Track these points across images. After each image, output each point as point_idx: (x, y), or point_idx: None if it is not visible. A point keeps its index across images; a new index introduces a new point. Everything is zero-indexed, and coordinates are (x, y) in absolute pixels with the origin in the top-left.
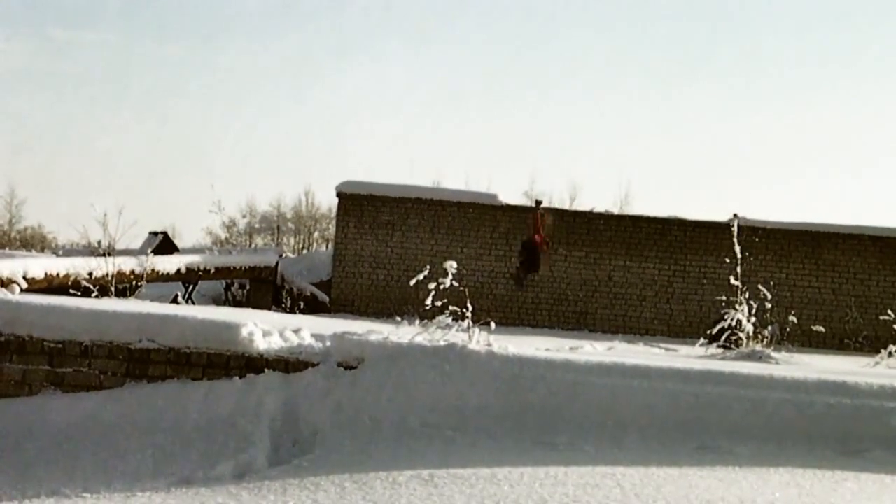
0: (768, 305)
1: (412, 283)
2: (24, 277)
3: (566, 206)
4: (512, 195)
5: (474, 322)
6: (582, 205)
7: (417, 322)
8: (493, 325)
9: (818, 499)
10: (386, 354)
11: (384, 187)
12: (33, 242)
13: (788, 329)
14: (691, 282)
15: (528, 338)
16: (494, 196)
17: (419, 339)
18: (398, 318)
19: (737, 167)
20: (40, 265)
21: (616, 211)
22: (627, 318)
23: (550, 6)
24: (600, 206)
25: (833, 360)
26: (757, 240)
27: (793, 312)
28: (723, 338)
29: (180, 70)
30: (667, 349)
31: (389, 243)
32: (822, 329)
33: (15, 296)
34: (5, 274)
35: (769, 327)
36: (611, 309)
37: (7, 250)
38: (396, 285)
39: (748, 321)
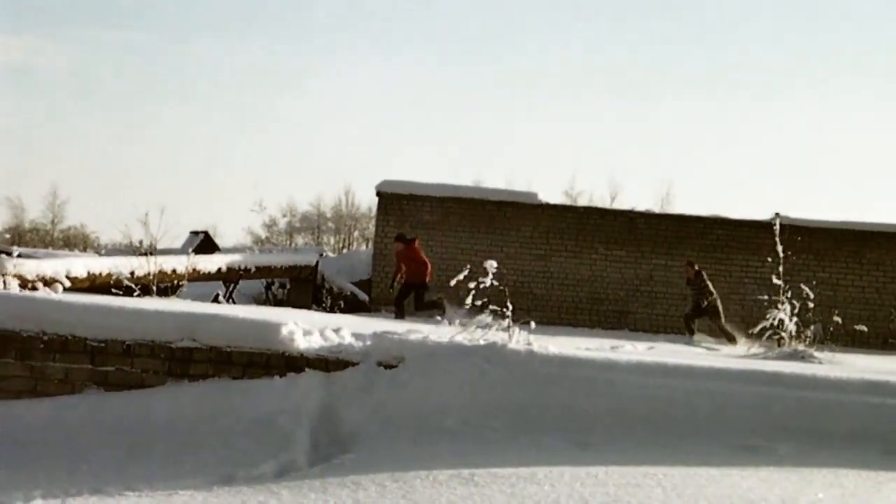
0: (811, 305)
1: (452, 282)
2: (67, 277)
3: (607, 205)
4: (552, 194)
5: (514, 321)
6: (622, 203)
7: (457, 321)
8: (532, 324)
9: (861, 499)
10: (426, 353)
11: (424, 186)
12: (76, 242)
13: (832, 329)
14: (733, 281)
15: (568, 337)
16: (534, 195)
17: (459, 339)
18: (438, 318)
19: (779, 166)
20: (83, 264)
21: (657, 210)
22: (668, 318)
23: (594, 5)
24: (641, 205)
25: (876, 359)
26: (799, 239)
27: (836, 312)
28: (764, 337)
29: (219, 69)
30: (708, 349)
31: (429, 242)
32: (865, 329)
33: (58, 295)
34: (48, 273)
35: (812, 327)
36: (651, 308)
37: (50, 250)
38: (436, 285)
39: (790, 320)
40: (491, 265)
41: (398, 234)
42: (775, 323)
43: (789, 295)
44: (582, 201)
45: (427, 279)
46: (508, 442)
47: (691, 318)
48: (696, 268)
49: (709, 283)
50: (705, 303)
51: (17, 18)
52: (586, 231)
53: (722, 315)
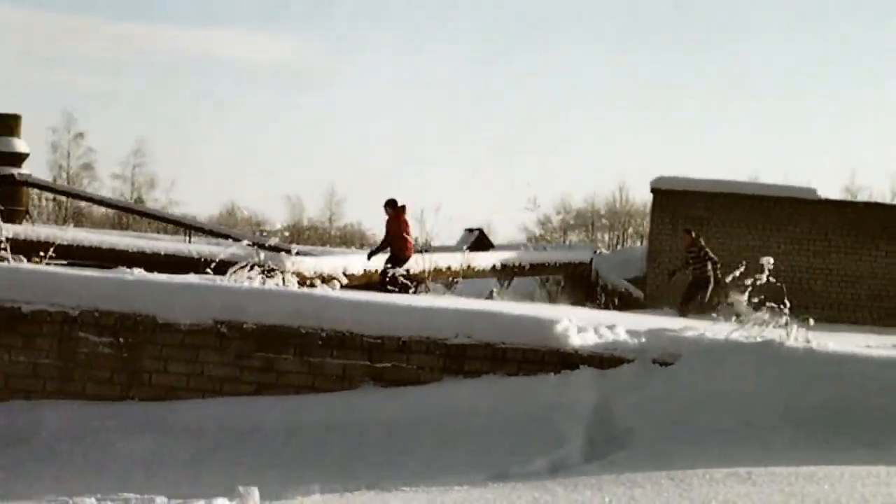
0: None
1: (728, 279)
2: (344, 274)
3: (886, 201)
4: (831, 190)
5: (791, 319)
6: None
7: (733, 318)
8: (811, 321)
9: None
10: (702, 351)
11: (699, 182)
12: (352, 239)
13: None
14: None
15: (848, 335)
16: (812, 191)
17: (735, 336)
18: (714, 315)
19: None
20: (359, 262)
21: None
22: None
23: None
24: None
25: None
26: None
27: None
28: None
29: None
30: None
31: (704, 238)
32: None
33: (336, 292)
34: (326, 271)
35: None
36: None
37: (327, 247)
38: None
39: None
40: (768, 262)
41: (389, 200)
42: None
43: None
44: (862, 198)
45: (406, 254)
46: (786, 440)
47: (695, 294)
48: (694, 235)
49: (709, 252)
50: (707, 271)
51: (283, 17)
52: (867, 227)
53: (708, 293)
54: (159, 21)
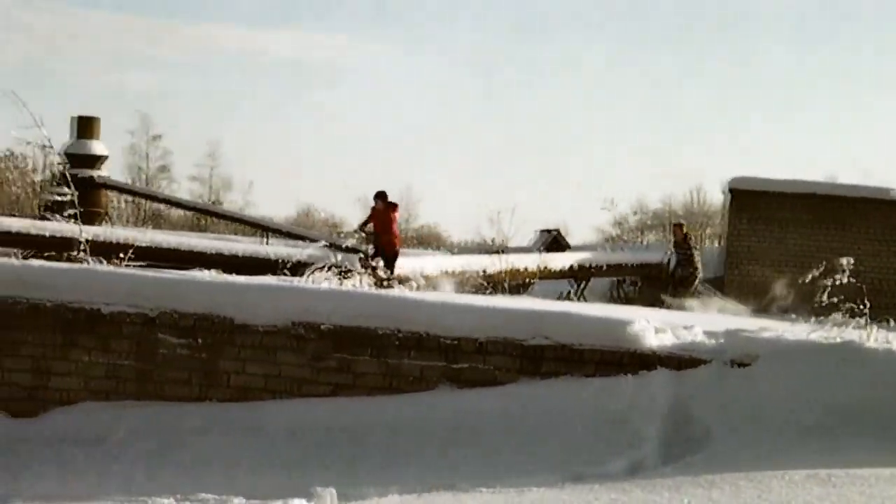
0: None
1: (806, 279)
2: (421, 275)
3: None
4: None
5: (871, 320)
6: None
7: (812, 319)
8: (892, 322)
9: None
10: (780, 351)
11: (776, 183)
12: (429, 240)
13: None
14: None
15: None
16: (889, 191)
17: (814, 337)
18: (792, 315)
19: None
20: (435, 263)
21: None
22: None
23: None
24: None
25: None
26: None
27: None
28: None
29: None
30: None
31: (782, 239)
32: None
33: (412, 293)
34: (403, 272)
35: None
36: None
37: (404, 248)
38: (789, 282)
39: None
40: (848, 262)
41: (380, 192)
42: None
43: None
44: None
45: (394, 249)
46: (866, 442)
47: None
48: (685, 230)
49: (696, 251)
50: (690, 270)
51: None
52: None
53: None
54: (230, 21)
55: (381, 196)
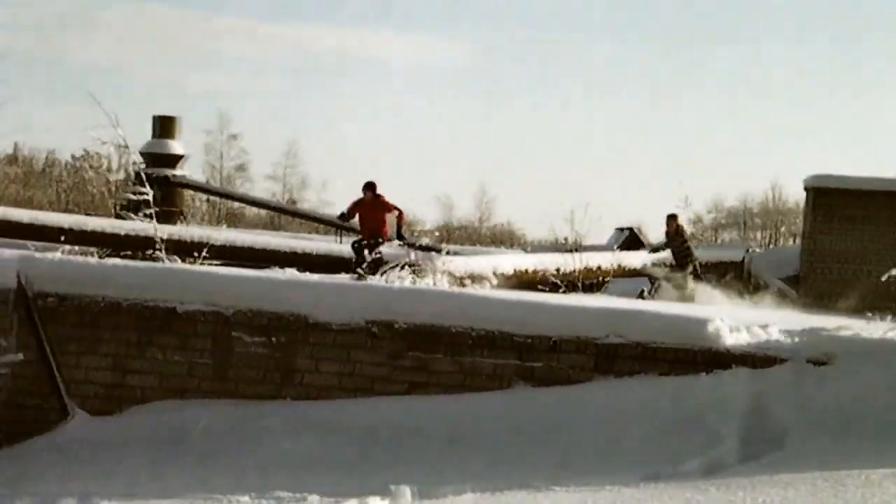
0: None
1: (884, 277)
2: (495, 273)
3: None
4: None
5: None
6: None
7: (890, 318)
8: None
9: None
10: (857, 350)
11: (854, 180)
12: (503, 239)
13: None
14: None
15: None
16: None
17: (892, 335)
18: (869, 314)
19: None
20: (510, 262)
21: None
22: None
23: None
24: None
25: None
26: None
27: None
28: None
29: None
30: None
31: (860, 237)
32: None
33: (486, 292)
34: (477, 271)
35: None
36: None
37: (477, 247)
38: (867, 280)
39: None
40: None
41: (369, 182)
42: None
43: None
44: None
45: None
46: None
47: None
48: (678, 222)
49: (688, 241)
50: (687, 260)
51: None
52: None
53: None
54: (308, 21)
55: (369, 187)
